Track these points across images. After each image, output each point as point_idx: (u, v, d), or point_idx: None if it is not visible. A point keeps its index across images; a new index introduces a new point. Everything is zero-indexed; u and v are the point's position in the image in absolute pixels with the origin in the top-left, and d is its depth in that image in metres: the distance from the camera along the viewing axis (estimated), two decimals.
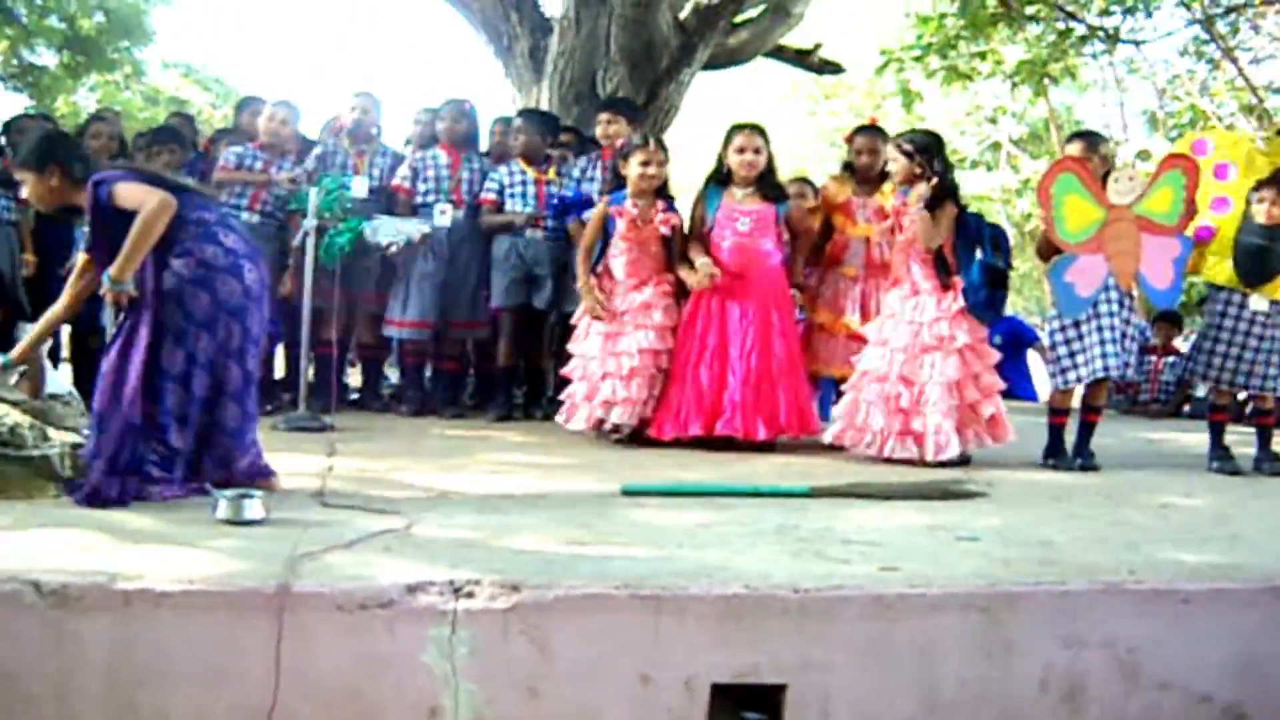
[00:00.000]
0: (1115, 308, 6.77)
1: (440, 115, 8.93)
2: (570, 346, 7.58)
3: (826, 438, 7.06)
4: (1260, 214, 6.90)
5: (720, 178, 7.41)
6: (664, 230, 7.30)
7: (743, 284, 7.26)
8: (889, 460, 6.68)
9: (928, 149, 6.87)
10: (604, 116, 8.36)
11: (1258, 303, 6.89)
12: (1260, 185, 6.97)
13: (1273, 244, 6.86)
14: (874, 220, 7.68)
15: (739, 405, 7.03)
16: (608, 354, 7.23)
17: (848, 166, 8.07)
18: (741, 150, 7.31)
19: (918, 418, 6.73)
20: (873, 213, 7.75)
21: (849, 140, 8.24)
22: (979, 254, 6.89)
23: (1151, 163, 7.00)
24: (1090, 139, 7.39)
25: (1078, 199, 6.82)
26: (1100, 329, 6.74)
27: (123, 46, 21.06)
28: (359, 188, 8.67)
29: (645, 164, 7.32)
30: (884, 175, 7.63)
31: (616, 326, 7.26)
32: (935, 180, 6.72)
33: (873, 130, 8.20)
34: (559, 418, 7.48)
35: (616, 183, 7.54)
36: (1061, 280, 6.88)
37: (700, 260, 7.17)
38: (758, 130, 7.42)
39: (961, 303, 6.73)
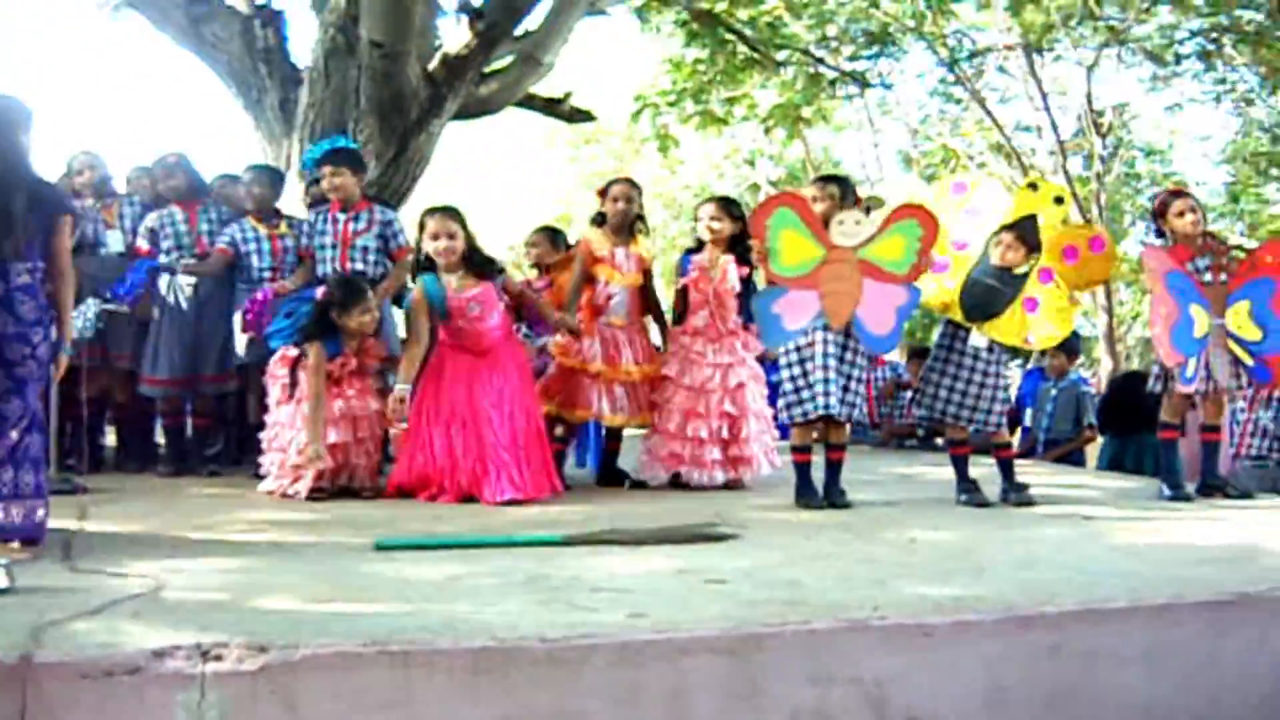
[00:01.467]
0: (835, 349, 6.92)
1: (153, 174, 8.84)
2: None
3: (640, 476, 7.92)
4: (995, 255, 7.13)
5: (427, 266, 7.50)
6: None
7: (490, 358, 7.42)
8: (685, 487, 7.69)
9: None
10: (327, 170, 8.26)
11: (977, 339, 7.11)
12: (1001, 229, 7.18)
13: (1000, 285, 7.10)
14: (635, 269, 7.89)
15: (504, 466, 7.13)
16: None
17: (600, 218, 8.17)
18: (436, 237, 7.38)
19: (735, 446, 7.76)
20: (634, 261, 7.93)
21: (602, 192, 8.35)
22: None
23: (881, 211, 7.11)
24: (827, 182, 7.58)
25: (795, 235, 6.95)
26: (821, 367, 6.88)
27: None
28: (114, 242, 8.58)
29: (435, 236, 7.39)
30: (634, 224, 7.87)
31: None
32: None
33: (627, 181, 8.35)
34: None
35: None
36: (769, 310, 7.02)
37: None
38: (449, 213, 7.50)
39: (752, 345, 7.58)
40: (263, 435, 7.59)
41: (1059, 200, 7.50)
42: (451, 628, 3.67)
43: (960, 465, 7.36)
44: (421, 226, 7.47)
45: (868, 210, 7.22)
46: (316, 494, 7.13)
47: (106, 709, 3.30)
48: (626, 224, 8.12)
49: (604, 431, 8.41)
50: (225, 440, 9.12)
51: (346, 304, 7.39)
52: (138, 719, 3.31)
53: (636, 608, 4.00)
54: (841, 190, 7.43)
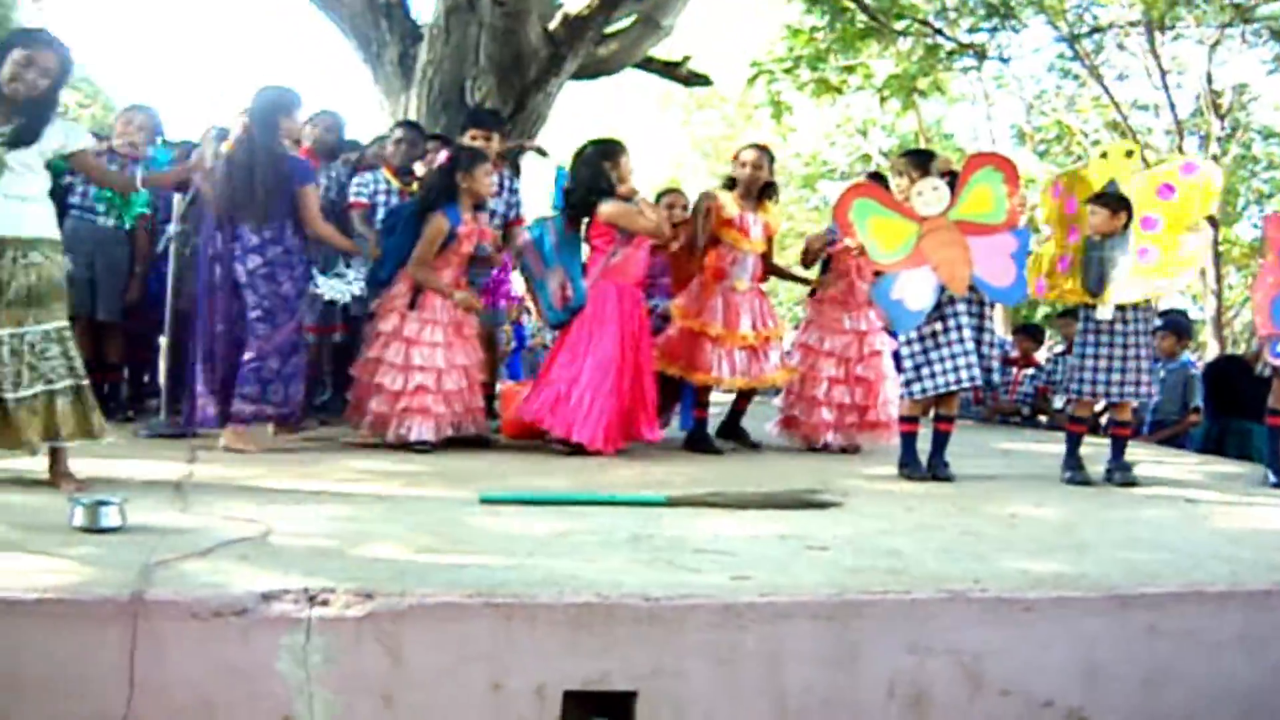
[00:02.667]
0: (965, 319, 6.88)
1: (313, 123, 8.87)
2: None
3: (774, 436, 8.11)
4: (1090, 229, 7.05)
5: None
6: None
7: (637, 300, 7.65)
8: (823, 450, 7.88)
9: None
10: (475, 131, 8.29)
11: (1102, 311, 7.01)
12: (1085, 203, 7.10)
13: (1105, 252, 6.99)
14: (761, 235, 7.89)
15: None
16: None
17: (730, 182, 8.15)
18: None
19: (872, 411, 7.96)
20: (762, 228, 7.92)
21: (734, 156, 8.33)
22: None
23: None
24: (913, 158, 7.58)
25: (882, 220, 6.93)
26: (952, 342, 6.84)
27: None
28: None
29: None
30: (764, 191, 7.89)
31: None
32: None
33: (760, 147, 8.31)
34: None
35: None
36: (888, 299, 6.96)
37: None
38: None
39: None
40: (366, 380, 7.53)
41: (1129, 154, 7.37)
42: (554, 582, 3.68)
43: (1074, 442, 7.25)
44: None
45: (946, 176, 7.14)
46: (422, 445, 7.16)
47: (213, 648, 3.35)
48: (756, 190, 8.08)
49: (694, 396, 8.34)
50: (334, 390, 9.18)
51: (471, 164, 7.45)
52: (243, 659, 3.36)
53: (739, 570, 4.00)
54: (920, 164, 7.39)
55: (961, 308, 6.89)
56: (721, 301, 7.92)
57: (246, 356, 7.00)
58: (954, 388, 6.89)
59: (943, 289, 6.85)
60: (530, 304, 8.15)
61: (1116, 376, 7.04)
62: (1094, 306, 7.05)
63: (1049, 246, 7.38)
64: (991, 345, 7.08)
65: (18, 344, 5.11)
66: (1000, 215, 6.90)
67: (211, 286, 7.20)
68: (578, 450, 7.23)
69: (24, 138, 5.17)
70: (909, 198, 7.00)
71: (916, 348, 6.97)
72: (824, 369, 8.15)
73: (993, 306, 7.15)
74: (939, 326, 6.91)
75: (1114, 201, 6.95)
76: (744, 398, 8.41)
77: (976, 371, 6.83)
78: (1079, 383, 7.17)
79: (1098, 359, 7.08)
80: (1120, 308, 6.95)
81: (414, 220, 7.45)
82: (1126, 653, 4.01)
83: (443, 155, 7.56)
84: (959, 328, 6.86)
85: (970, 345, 6.84)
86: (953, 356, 6.85)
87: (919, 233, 6.88)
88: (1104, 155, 7.48)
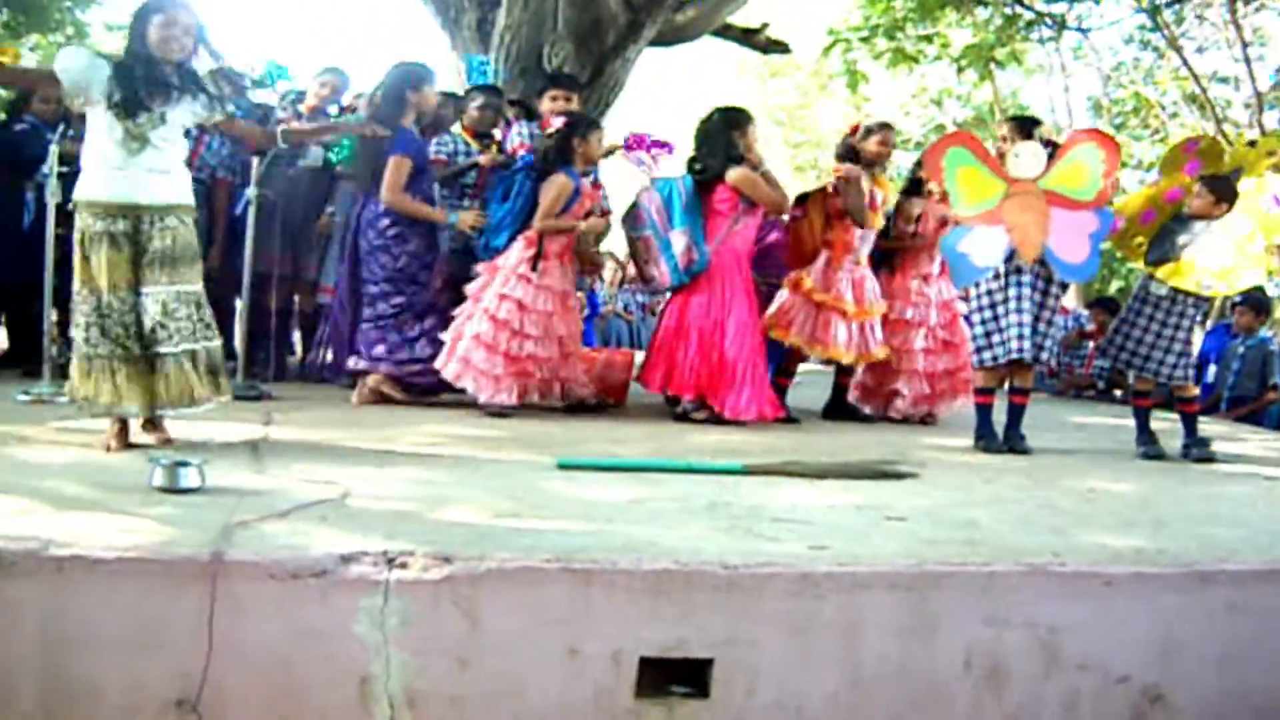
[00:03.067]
0: (1028, 290, 6.82)
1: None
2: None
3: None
4: (1187, 204, 6.97)
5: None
6: None
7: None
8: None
9: None
10: (555, 92, 8.28)
11: (1157, 287, 6.94)
12: (1199, 179, 7.01)
13: (1180, 230, 6.92)
14: (878, 211, 8.00)
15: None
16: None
17: (852, 155, 8.09)
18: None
19: (962, 372, 8.02)
20: (880, 203, 8.01)
21: (854, 130, 8.30)
22: None
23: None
24: (1019, 121, 7.46)
25: (972, 171, 6.85)
26: (1015, 311, 6.80)
27: (65, 7, 20.76)
28: (313, 154, 8.68)
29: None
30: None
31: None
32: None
33: (890, 125, 8.36)
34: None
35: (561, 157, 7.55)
36: (954, 250, 6.89)
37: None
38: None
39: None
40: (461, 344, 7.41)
41: (1271, 153, 7.23)
42: (633, 548, 3.67)
43: (1141, 417, 7.21)
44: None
45: (1045, 143, 7.07)
46: (504, 410, 7.17)
47: (291, 609, 3.37)
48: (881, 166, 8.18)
49: (783, 366, 8.33)
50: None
51: (587, 129, 7.60)
52: (321, 620, 3.37)
53: (817, 540, 3.97)
54: (1023, 128, 7.30)
55: (1027, 279, 6.84)
56: (848, 276, 7.91)
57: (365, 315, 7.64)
58: (1012, 357, 6.83)
59: (1012, 254, 6.80)
60: (636, 266, 8.12)
61: (1147, 352, 7.00)
62: (1152, 276, 6.98)
63: (1147, 191, 7.30)
64: (1051, 324, 6.97)
65: (158, 303, 5.22)
66: (1090, 194, 6.77)
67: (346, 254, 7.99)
68: (718, 420, 7.34)
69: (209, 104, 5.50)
70: (1005, 157, 6.93)
71: (988, 314, 6.95)
72: (915, 340, 8.18)
73: (1064, 286, 7.07)
74: (1000, 296, 6.89)
75: (1223, 189, 6.88)
76: (846, 373, 8.40)
77: (1028, 345, 6.77)
78: (1114, 349, 7.17)
79: (1136, 329, 7.05)
80: (1175, 289, 6.89)
81: (530, 184, 7.52)
82: (1205, 630, 3.97)
83: (558, 121, 7.59)
84: (1019, 298, 6.82)
85: (1028, 319, 6.79)
86: (1010, 327, 6.82)
87: (1005, 193, 6.81)
88: (1252, 144, 7.35)
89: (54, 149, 7.36)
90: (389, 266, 7.53)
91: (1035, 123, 7.64)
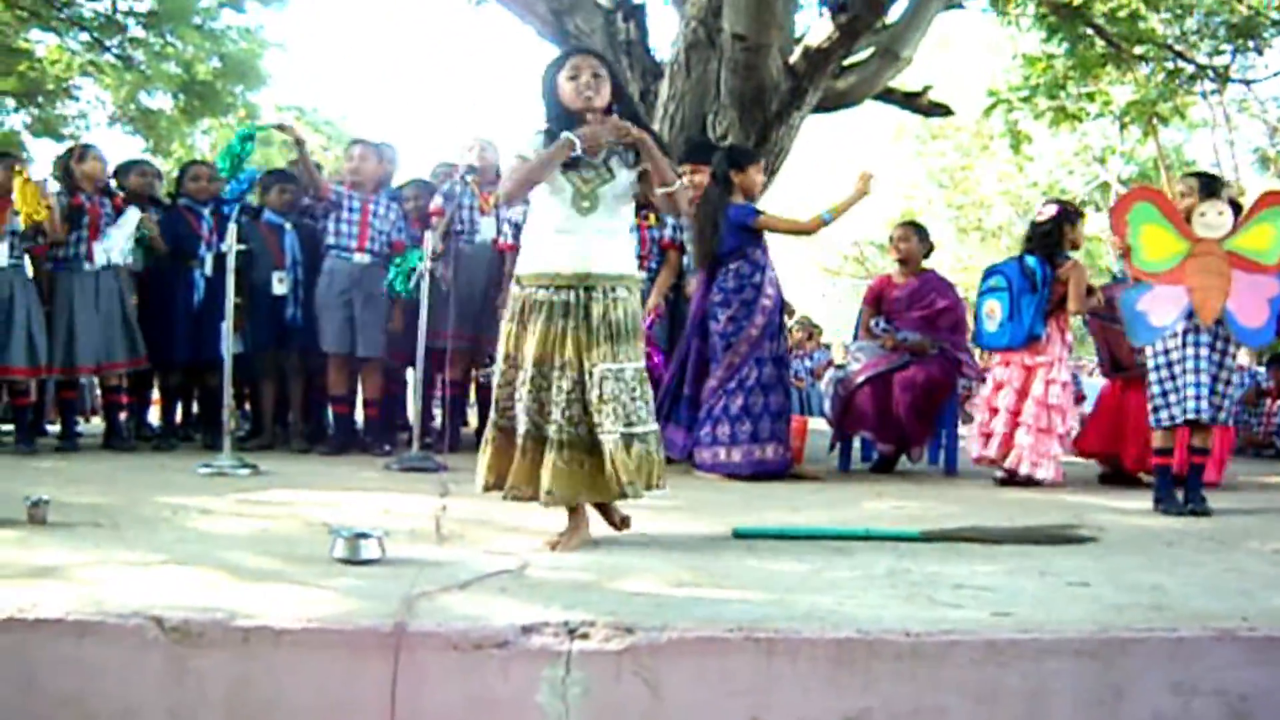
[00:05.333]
0: (1206, 350, 6.66)
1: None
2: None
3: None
4: None
5: None
6: None
7: None
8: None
9: None
10: (686, 168, 8.34)
11: None
12: None
13: None
14: None
15: None
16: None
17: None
18: None
19: None
20: None
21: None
22: None
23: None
24: (1194, 177, 7.33)
25: (1157, 229, 6.74)
26: (1191, 370, 6.65)
27: (237, 90, 21.35)
28: (487, 228, 8.83)
29: None
30: None
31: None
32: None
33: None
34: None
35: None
36: (1133, 308, 6.80)
37: None
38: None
39: None
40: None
41: None
42: (815, 617, 3.62)
43: None
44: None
45: (1233, 205, 6.93)
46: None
47: (473, 680, 3.35)
48: None
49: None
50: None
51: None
52: (503, 691, 3.35)
53: (999, 606, 3.89)
54: (1208, 186, 7.16)
55: (1205, 339, 6.67)
56: None
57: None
58: (1189, 417, 6.68)
59: (1191, 314, 6.66)
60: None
61: None
62: None
63: None
64: (1229, 384, 6.80)
65: (609, 380, 4.87)
66: (1274, 257, 6.65)
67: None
68: None
69: (628, 159, 5.05)
70: (1189, 216, 6.81)
71: (1164, 374, 6.80)
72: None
73: (1239, 345, 6.92)
74: (1178, 355, 6.73)
75: None
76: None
77: (1205, 405, 6.60)
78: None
79: None
80: None
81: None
82: None
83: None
84: (1196, 358, 6.66)
85: (1205, 379, 6.63)
86: (1187, 387, 6.66)
87: (1188, 252, 6.70)
88: None
89: (233, 226, 7.55)
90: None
91: (1221, 182, 7.53)
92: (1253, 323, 6.66)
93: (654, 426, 4.98)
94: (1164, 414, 6.80)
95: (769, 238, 8.19)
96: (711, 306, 7.98)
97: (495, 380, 5.05)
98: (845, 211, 7.80)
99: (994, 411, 8.11)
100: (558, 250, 4.91)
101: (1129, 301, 6.85)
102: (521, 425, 4.88)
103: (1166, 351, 6.79)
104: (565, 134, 4.83)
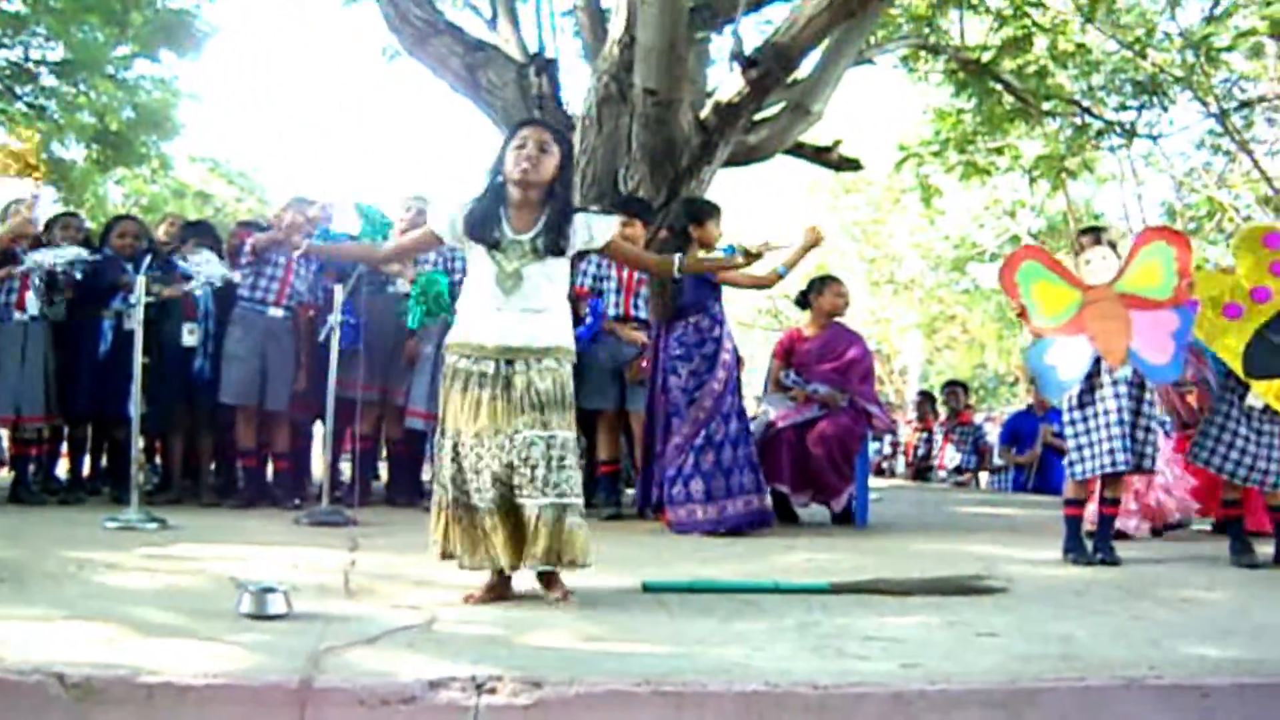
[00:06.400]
0: (1124, 400, 6.72)
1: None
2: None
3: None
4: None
5: None
6: None
7: None
8: None
9: None
10: (620, 218, 8.38)
11: (1254, 399, 6.85)
12: None
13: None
14: None
15: None
16: None
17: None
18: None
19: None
20: None
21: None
22: None
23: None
24: (1088, 231, 7.49)
25: (1047, 285, 6.83)
26: (1108, 423, 6.71)
27: (150, 140, 21.22)
28: (398, 281, 8.85)
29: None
30: None
31: None
32: None
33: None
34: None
35: None
36: (1041, 363, 6.89)
37: None
38: None
39: None
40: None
41: None
42: (724, 671, 3.62)
43: (1235, 525, 7.09)
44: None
45: (1112, 246, 7.04)
46: None
47: None
48: None
49: None
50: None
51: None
52: None
53: (908, 658, 3.91)
54: (1092, 233, 7.42)
55: (1123, 389, 6.73)
56: None
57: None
58: (1107, 470, 6.74)
59: (1098, 361, 6.75)
60: None
61: (1251, 461, 6.88)
62: (1243, 383, 6.87)
63: (1226, 278, 7.13)
64: (1149, 430, 6.85)
65: (533, 446, 4.84)
66: (1167, 291, 6.72)
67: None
68: None
69: (551, 247, 5.00)
70: (1079, 266, 6.90)
71: (1080, 427, 6.85)
72: None
73: (1153, 390, 7.00)
74: (1096, 407, 6.79)
75: None
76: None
77: (1125, 456, 6.66)
78: (1224, 461, 6.99)
79: (1235, 436, 6.94)
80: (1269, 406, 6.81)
81: None
82: None
83: None
84: (1117, 410, 6.71)
85: (1123, 429, 6.68)
86: (1106, 440, 6.72)
87: (1081, 301, 6.78)
88: None
89: (141, 279, 7.51)
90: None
91: (1101, 229, 7.65)
92: (1158, 359, 6.69)
93: (580, 501, 4.98)
94: (1078, 468, 6.85)
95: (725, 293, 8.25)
96: (671, 361, 7.96)
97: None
98: (797, 264, 7.89)
99: None
100: (482, 324, 4.94)
101: (1036, 357, 6.95)
102: (450, 492, 4.93)
103: (1082, 406, 6.84)
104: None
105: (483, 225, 4.98)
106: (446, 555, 4.99)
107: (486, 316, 4.94)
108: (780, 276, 7.83)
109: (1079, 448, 6.85)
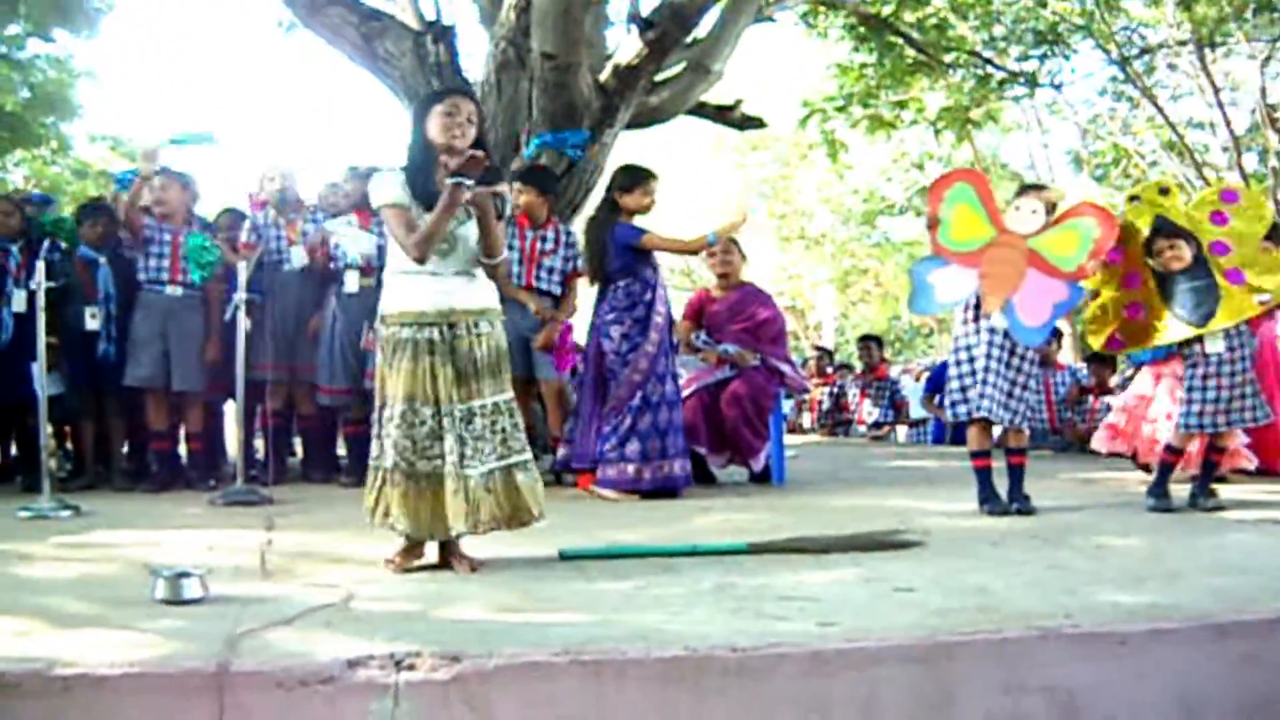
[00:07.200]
0: (1004, 354, 6.78)
1: (354, 179, 8.96)
2: None
3: None
4: (1176, 266, 6.94)
5: None
6: None
7: None
8: None
9: None
10: (516, 186, 8.39)
11: (1212, 345, 6.85)
12: (1152, 238, 7.05)
13: (1191, 285, 6.90)
14: None
15: None
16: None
17: None
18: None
19: None
20: None
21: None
22: None
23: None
24: (1028, 187, 7.50)
25: (969, 211, 6.91)
26: (989, 370, 6.77)
27: (48, 122, 20.95)
28: (297, 257, 8.74)
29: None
30: None
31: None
32: None
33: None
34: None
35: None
36: (923, 279, 6.99)
37: None
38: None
39: None
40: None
41: (1164, 191, 7.29)
42: (642, 637, 3.64)
43: (1166, 471, 7.13)
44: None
45: (1051, 208, 7.08)
46: None
47: (301, 717, 3.32)
48: None
49: None
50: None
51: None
52: None
53: (825, 616, 3.94)
54: (1031, 187, 7.45)
55: (1008, 344, 6.79)
56: None
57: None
58: (976, 415, 6.84)
59: (978, 305, 6.83)
60: None
61: (1236, 404, 6.92)
62: (1199, 340, 6.92)
63: (1100, 301, 7.29)
64: (1025, 388, 6.86)
65: (476, 416, 4.96)
66: (1071, 265, 6.80)
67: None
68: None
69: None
70: (1007, 210, 6.97)
71: (965, 368, 6.93)
72: None
73: (1058, 346, 7.06)
74: (979, 354, 6.84)
75: (1182, 234, 6.90)
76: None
77: (996, 408, 6.75)
78: (1195, 417, 7.00)
79: (1208, 389, 6.95)
80: (1226, 334, 6.84)
81: None
82: (1225, 683, 3.91)
83: None
84: (989, 358, 6.79)
85: (1001, 382, 6.77)
86: (984, 384, 6.79)
87: (992, 239, 6.87)
88: (1133, 199, 7.37)
89: (40, 264, 7.39)
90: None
91: (1044, 188, 7.67)
92: (1031, 321, 6.75)
93: (527, 455, 5.08)
94: (960, 408, 6.93)
95: (661, 256, 8.24)
96: (604, 325, 7.99)
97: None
98: (729, 233, 7.87)
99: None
100: (420, 289, 4.96)
101: (921, 271, 7.05)
102: (389, 460, 4.93)
103: (969, 347, 6.91)
104: (451, 181, 4.83)
105: (424, 188, 4.99)
106: (383, 523, 5.00)
107: (422, 283, 4.96)
108: (710, 245, 7.85)
109: (960, 390, 6.92)
